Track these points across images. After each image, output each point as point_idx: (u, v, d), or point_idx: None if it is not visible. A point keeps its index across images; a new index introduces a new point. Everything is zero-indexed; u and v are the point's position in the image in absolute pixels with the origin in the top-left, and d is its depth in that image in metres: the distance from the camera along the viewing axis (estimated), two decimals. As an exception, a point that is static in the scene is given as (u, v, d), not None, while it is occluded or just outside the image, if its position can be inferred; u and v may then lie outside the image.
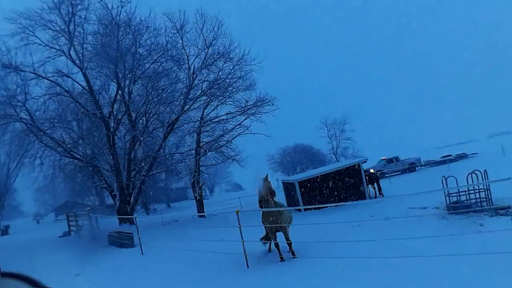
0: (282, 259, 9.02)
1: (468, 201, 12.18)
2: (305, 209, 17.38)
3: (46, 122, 21.09)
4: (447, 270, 6.27)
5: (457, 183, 11.64)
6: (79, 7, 20.81)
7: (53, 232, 22.89)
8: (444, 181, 12.16)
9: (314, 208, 16.69)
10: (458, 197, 12.39)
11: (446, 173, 13.56)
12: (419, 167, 39.77)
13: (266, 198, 9.33)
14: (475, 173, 11.90)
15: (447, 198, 12.49)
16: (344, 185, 19.70)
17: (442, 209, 12.57)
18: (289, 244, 9.29)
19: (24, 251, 16.66)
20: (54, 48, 20.59)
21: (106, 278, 10.22)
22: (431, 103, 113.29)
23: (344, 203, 16.91)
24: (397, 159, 39.49)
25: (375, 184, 21.15)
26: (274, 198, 9.64)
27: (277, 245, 9.42)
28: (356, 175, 20.06)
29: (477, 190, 12.16)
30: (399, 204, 14.12)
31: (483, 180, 11.70)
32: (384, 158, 40.12)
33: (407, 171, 37.48)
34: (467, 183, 11.45)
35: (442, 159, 40.77)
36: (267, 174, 9.75)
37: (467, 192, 12.20)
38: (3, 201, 41.28)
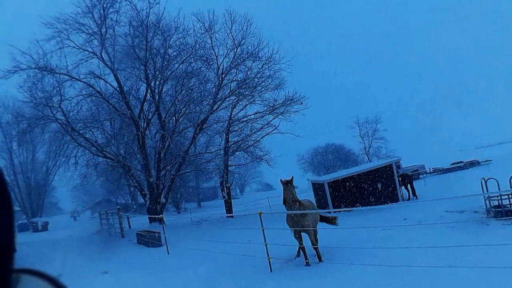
0: (307, 264, 8.66)
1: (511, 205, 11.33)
2: (334, 211, 16.88)
3: (80, 122, 21.73)
4: (484, 283, 5.69)
5: (498, 186, 10.83)
6: (111, 10, 21.27)
7: (87, 230, 23.61)
8: (483, 183, 11.37)
9: (344, 210, 16.17)
10: (500, 201, 11.54)
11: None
12: (423, 175, 37.71)
13: (291, 203, 8.86)
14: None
15: (487, 201, 11.67)
16: (376, 186, 19.02)
17: (482, 213, 11.77)
18: (315, 249, 8.90)
19: (58, 247, 17.23)
20: (87, 51, 21.14)
21: (131, 277, 10.25)
22: (472, 102, 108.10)
23: (375, 206, 16.28)
24: (398, 166, 37.27)
25: (409, 185, 20.25)
26: (300, 199, 9.23)
27: (303, 248, 9.05)
28: (388, 176, 19.32)
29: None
30: (434, 207, 13.42)
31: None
32: None
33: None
34: (510, 186, 10.64)
35: (452, 166, 38.79)
36: (292, 177, 9.12)
37: (510, 196, 11.33)
38: (43, 199, 43.24)
